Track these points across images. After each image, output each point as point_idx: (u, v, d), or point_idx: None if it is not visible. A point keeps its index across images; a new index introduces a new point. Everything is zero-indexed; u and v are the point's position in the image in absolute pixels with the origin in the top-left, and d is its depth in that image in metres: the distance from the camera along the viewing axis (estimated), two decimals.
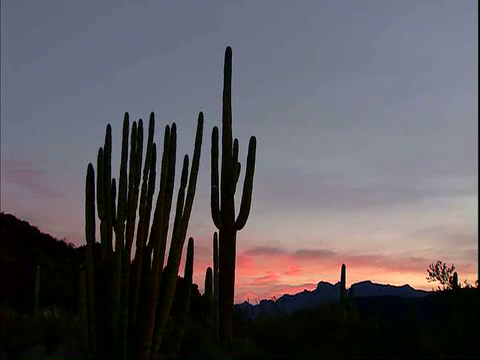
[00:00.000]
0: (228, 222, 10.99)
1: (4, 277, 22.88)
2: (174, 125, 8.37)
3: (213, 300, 11.47)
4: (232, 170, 11.13)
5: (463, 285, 9.49)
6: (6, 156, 50.38)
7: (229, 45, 11.42)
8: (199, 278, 12.02)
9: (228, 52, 11.39)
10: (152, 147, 8.28)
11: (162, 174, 8.08)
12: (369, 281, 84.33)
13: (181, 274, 8.22)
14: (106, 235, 7.95)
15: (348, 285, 14.81)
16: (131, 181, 8.10)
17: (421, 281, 10.68)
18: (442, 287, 9.47)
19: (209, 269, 11.55)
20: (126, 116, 8.28)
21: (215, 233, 11.40)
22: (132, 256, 7.98)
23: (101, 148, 8.18)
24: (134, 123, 8.25)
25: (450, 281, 9.45)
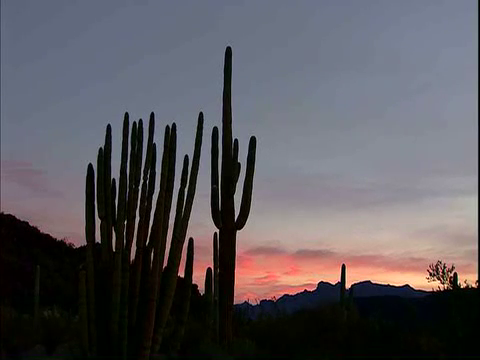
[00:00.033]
0: (228, 222, 10.99)
1: (4, 277, 22.89)
2: (174, 125, 8.37)
3: (213, 300, 11.47)
4: (232, 170, 11.13)
5: (463, 285, 9.50)
6: (6, 156, 50.43)
7: (229, 45, 11.43)
8: (199, 278, 12.03)
9: (228, 52, 11.39)
10: (152, 147, 8.28)
11: (162, 174, 8.08)
12: (369, 281, 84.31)
13: (181, 274, 8.23)
14: (106, 235, 7.95)
15: (348, 285, 14.82)
16: (131, 181, 8.10)
17: (421, 281, 10.69)
18: (442, 287, 9.47)
19: (209, 269, 11.55)
20: (126, 116, 8.27)
21: (215, 233, 11.40)
22: (132, 256, 7.98)
23: (101, 148, 8.18)
24: (134, 123, 8.25)
25: (450, 281, 9.45)
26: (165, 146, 8.19)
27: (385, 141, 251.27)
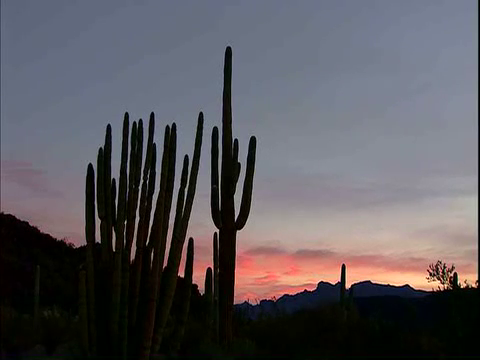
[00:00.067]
0: (228, 222, 10.99)
1: (4, 277, 22.89)
2: (174, 125, 8.37)
3: (213, 300, 11.47)
4: (232, 170, 11.13)
5: (463, 285, 9.49)
6: (6, 156, 50.54)
7: (229, 45, 11.43)
8: (199, 278, 12.03)
9: (228, 52, 11.39)
10: (152, 147, 8.27)
11: (162, 174, 8.08)
12: (369, 281, 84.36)
13: (181, 274, 8.23)
14: (106, 235, 7.95)
15: (348, 285, 14.83)
16: (131, 181, 8.10)
17: (421, 281, 10.69)
18: (442, 287, 9.46)
19: (209, 269, 11.55)
20: (126, 116, 8.27)
21: (215, 233, 11.40)
22: (132, 256, 7.98)
23: (101, 148, 8.18)
24: (134, 123, 8.24)
25: (450, 281, 9.45)
26: (165, 146, 8.19)
27: (385, 141, 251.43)
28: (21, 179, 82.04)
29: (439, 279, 9.46)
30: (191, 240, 8.42)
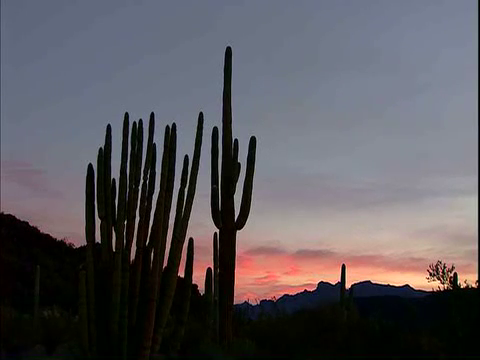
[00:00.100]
0: (228, 222, 10.99)
1: (4, 277, 22.88)
2: (174, 125, 8.36)
3: (213, 300, 11.47)
4: (232, 170, 11.13)
5: (463, 285, 9.49)
6: (6, 156, 50.55)
7: (229, 45, 11.44)
8: (199, 278, 12.04)
9: (228, 52, 11.39)
10: (152, 147, 8.27)
11: (162, 174, 8.07)
12: (369, 281, 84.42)
13: (181, 274, 8.22)
14: (106, 235, 7.94)
15: (348, 285, 14.83)
16: (131, 181, 8.09)
17: (421, 281, 10.69)
18: (442, 287, 9.46)
19: (209, 269, 11.55)
20: (126, 116, 8.26)
21: (215, 233, 11.40)
22: (132, 256, 7.97)
23: (101, 148, 8.17)
24: (134, 123, 8.24)
25: (450, 281, 9.45)
26: (165, 146, 8.19)
27: (385, 141, 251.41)
28: (21, 179, 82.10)
29: (439, 279, 9.46)
30: (191, 240, 8.41)
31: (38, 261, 27.95)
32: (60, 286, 27.71)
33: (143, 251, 7.94)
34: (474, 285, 9.41)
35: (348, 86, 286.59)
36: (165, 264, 8.13)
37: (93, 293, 7.66)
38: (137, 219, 8.01)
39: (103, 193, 8.04)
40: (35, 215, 75.04)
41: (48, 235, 37.04)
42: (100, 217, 8.00)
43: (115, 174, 8.17)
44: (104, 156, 8.15)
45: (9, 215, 36.20)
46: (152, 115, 8.25)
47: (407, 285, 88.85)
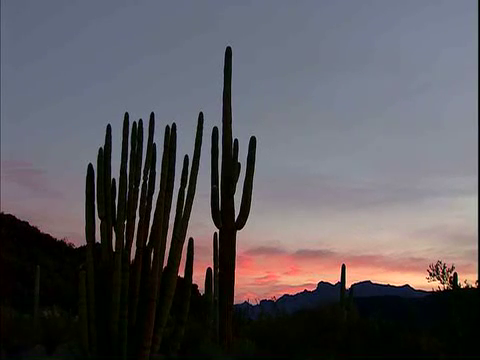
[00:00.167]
0: (228, 222, 10.99)
1: (4, 277, 22.88)
2: (174, 125, 8.36)
3: (213, 300, 11.48)
4: (232, 170, 11.13)
5: (463, 285, 9.49)
6: (6, 156, 50.58)
7: (229, 45, 11.44)
8: (199, 278, 12.04)
9: (228, 52, 11.39)
10: (152, 147, 8.27)
11: (162, 174, 8.07)
12: (369, 281, 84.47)
13: (181, 274, 8.22)
14: (106, 235, 7.94)
15: (348, 285, 14.84)
16: (131, 181, 8.09)
17: (421, 281, 10.70)
18: (442, 287, 9.46)
19: (209, 269, 11.56)
20: (126, 116, 8.27)
21: (215, 233, 11.40)
22: (132, 256, 7.97)
23: (101, 148, 8.17)
24: (134, 123, 8.24)
25: (450, 281, 9.44)
26: (165, 146, 8.19)
27: (385, 141, 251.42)
28: (21, 179, 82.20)
29: (439, 279, 9.46)
30: (191, 240, 8.41)
31: (38, 261, 27.97)
32: (60, 286, 27.72)
33: (143, 251, 7.94)
34: (474, 285, 9.41)
35: (348, 86, 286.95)
36: (165, 264, 8.14)
37: (93, 293, 7.66)
38: (137, 219, 8.01)
39: (103, 193, 8.04)
40: (35, 215, 75.18)
41: (48, 235, 37.09)
42: (100, 217, 8.00)
43: (115, 174, 8.17)
44: (104, 156, 8.15)
45: (9, 215, 36.22)
46: (152, 115, 8.25)
47: (407, 285, 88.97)
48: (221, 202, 11.04)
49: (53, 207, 72.28)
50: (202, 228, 12.84)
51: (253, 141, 11.21)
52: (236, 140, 11.28)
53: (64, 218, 57.96)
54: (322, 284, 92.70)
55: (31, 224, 37.40)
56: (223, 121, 11.24)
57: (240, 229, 11.06)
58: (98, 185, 8.06)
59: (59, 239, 37.03)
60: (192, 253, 8.37)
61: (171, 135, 8.29)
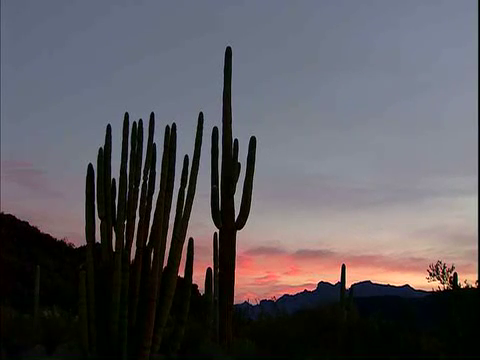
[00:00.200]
0: (228, 222, 11.00)
1: (4, 277, 22.88)
2: (174, 125, 8.36)
3: (213, 300, 11.47)
4: (232, 170, 11.13)
5: (463, 285, 9.48)
6: (6, 156, 50.52)
7: (229, 45, 11.45)
8: (199, 278, 12.04)
9: (228, 52, 11.40)
10: (152, 147, 8.27)
11: (162, 174, 8.08)
12: (369, 281, 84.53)
13: (181, 274, 8.23)
14: (106, 235, 7.94)
15: (348, 285, 14.81)
16: (131, 181, 8.10)
17: (421, 281, 10.70)
18: (442, 287, 9.46)
19: (209, 269, 11.55)
20: (126, 116, 8.27)
21: (215, 233, 11.41)
22: (132, 256, 7.98)
23: (101, 148, 8.17)
24: (134, 123, 8.24)
25: (450, 281, 9.44)
26: (165, 146, 8.19)
27: (385, 141, 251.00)
28: (21, 179, 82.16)
29: (439, 279, 9.45)
30: (191, 240, 8.42)
31: (38, 261, 27.94)
32: (60, 286, 27.70)
33: (143, 251, 7.94)
34: (474, 285, 9.41)
35: (348, 86, 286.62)
36: (165, 264, 8.14)
37: (93, 293, 7.66)
38: (137, 219, 8.02)
39: (103, 193, 8.04)
40: (35, 215, 75.14)
41: (48, 235, 37.06)
42: (100, 217, 8.01)
43: (115, 174, 8.18)
44: (104, 156, 8.15)
45: (9, 215, 36.19)
46: (152, 115, 8.25)
47: (407, 285, 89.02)
48: (221, 202, 11.05)
49: (53, 207, 72.30)
50: (202, 228, 12.86)
51: (253, 141, 11.22)
52: (236, 140, 11.29)
53: (64, 218, 58.01)
54: (322, 284, 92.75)
55: (31, 224, 37.40)
56: (223, 121, 11.25)
57: (240, 229, 11.07)
58: (98, 185, 8.07)
59: (59, 239, 37.03)
60: (192, 253, 8.38)
61: (171, 135, 8.30)
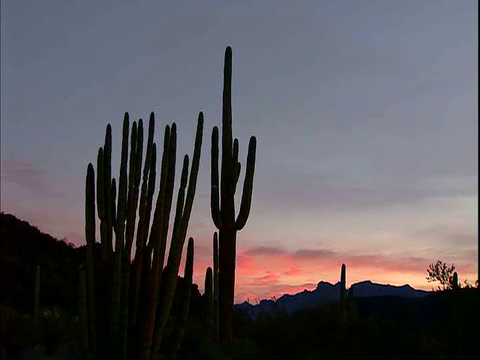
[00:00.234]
0: (228, 222, 11.00)
1: (4, 277, 22.88)
2: (174, 125, 8.36)
3: (213, 300, 11.48)
4: (232, 170, 11.13)
5: (463, 285, 9.49)
6: (6, 156, 50.52)
7: (229, 45, 11.45)
8: (199, 278, 12.05)
9: (228, 52, 11.40)
10: (152, 147, 8.27)
11: (162, 174, 8.08)
12: (369, 281, 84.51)
13: (181, 274, 8.23)
14: (106, 235, 7.94)
15: (348, 285, 14.83)
16: (131, 181, 8.10)
17: (421, 281, 10.70)
18: (442, 287, 9.46)
19: (209, 269, 11.56)
20: (126, 116, 8.27)
21: (215, 233, 11.41)
22: (132, 256, 7.98)
23: (101, 148, 8.17)
24: (134, 123, 8.24)
25: (450, 281, 9.44)
26: (165, 146, 8.19)
27: (385, 141, 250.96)
28: (21, 179, 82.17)
29: (439, 279, 9.46)
30: (191, 240, 8.41)
31: (38, 261, 27.97)
32: (60, 286, 27.72)
33: (143, 251, 7.94)
34: (474, 285, 9.41)
35: (348, 86, 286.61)
36: (165, 264, 8.14)
37: (93, 293, 7.66)
38: (137, 219, 8.01)
39: (103, 193, 8.04)
40: (35, 215, 75.21)
41: (48, 235, 37.10)
42: (100, 217, 8.01)
43: (115, 174, 8.18)
44: (104, 156, 8.15)
45: (9, 215, 36.21)
46: (152, 115, 8.25)
47: (407, 285, 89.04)
48: (221, 202, 11.05)
49: (53, 207, 72.35)
50: (202, 228, 12.86)
51: (253, 141, 11.21)
52: (236, 140, 11.28)
53: (64, 218, 58.06)
54: (322, 284, 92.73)
55: (31, 224, 37.45)
56: (223, 121, 11.25)
57: (240, 229, 11.07)
58: (98, 185, 8.07)
59: (59, 239, 37.09)
60: (192, 253, 8.37)
61: (171, 135, 8.30)
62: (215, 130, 11.15)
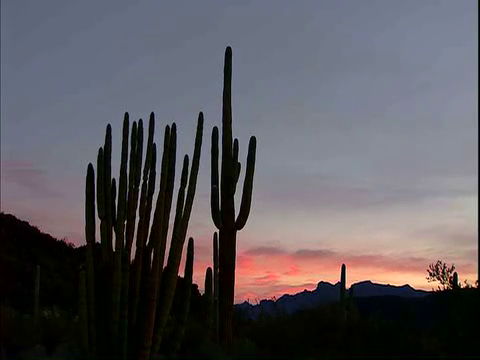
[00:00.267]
0: (228, 222, 11.00)
1: (4, 277, 22.89)
2: (174, 125, 8.37)
3: (213, 300, 11.48)
4: (232, 170, 11.13)
5: (463, 285, 9.49)
6: (6, 156, 50.49)
7: (229, 45, 11.45)
8: (199, 278, 12.05)
9: (228, 52, 11.40)
10: (152, 147, 8.27)
11: (162, 174, 8.08)
12: (369, 281, 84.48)
13: (181, 274, 8.23)
14: (106, 235, 7.95)
15: (348, 285, 14.83)
16: (131, 181, 8.10)
17: (421, 281, 10.70)
18: (442, 287, 9.47)
19: (209, 269, 11.56)
20: (126, 116, 8.27)
21: (215, 233, 11.41)
22: (132, 256, 7.98)
23: (101, 148, 8.17)
24: (134, 123, 8.24)
25: (450, 281, 9.45)
26: (165, 146, 8.19)
27: (385, 141, 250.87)
28: (21, 179, 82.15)
29: (439, 279, 9.46)
30: (191, 240, 8.42)
31: (38, 261, 27.96)
32: (60, 286, 27.72)
33: (143, 251, 7.94)
34: (474, 285, 9.42)
35: (348, 86, 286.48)
36: (165, 264, 8.14)
37: (93, 293, 7.67)
38: (137, 219, 8.02)
39: (103, 193, 8.04)
40: (35, 215, 75.21)
41: (48, 235, 37.09)
42: (100, 217, 8.01)
43: (115, 174, 8.18)
44: (104, 156, 8.15)
45: (9, 215, 36.21)
46: (152, 115, 8.25)
47: (407, 285, 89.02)
48: (221, 202, 11.05)
49: (53, 207, 72.33)
50: (202, 228, 12.86)
51: (253, 141, 11.21)
52: (236, 140, 11.28)
53: (64, 218, 58.05)
54: (322, 284, 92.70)
55: (31, 224, 37.44)
56: (223, 121, 11.25)
57: (240, 229, 11.07)
58: (98, 185, 8.07)
59: (59, 239, 37.07)
60: (192, 253, 8.38)
61: (171, 135, 8.30)
62: (215, 130, 11.15)
